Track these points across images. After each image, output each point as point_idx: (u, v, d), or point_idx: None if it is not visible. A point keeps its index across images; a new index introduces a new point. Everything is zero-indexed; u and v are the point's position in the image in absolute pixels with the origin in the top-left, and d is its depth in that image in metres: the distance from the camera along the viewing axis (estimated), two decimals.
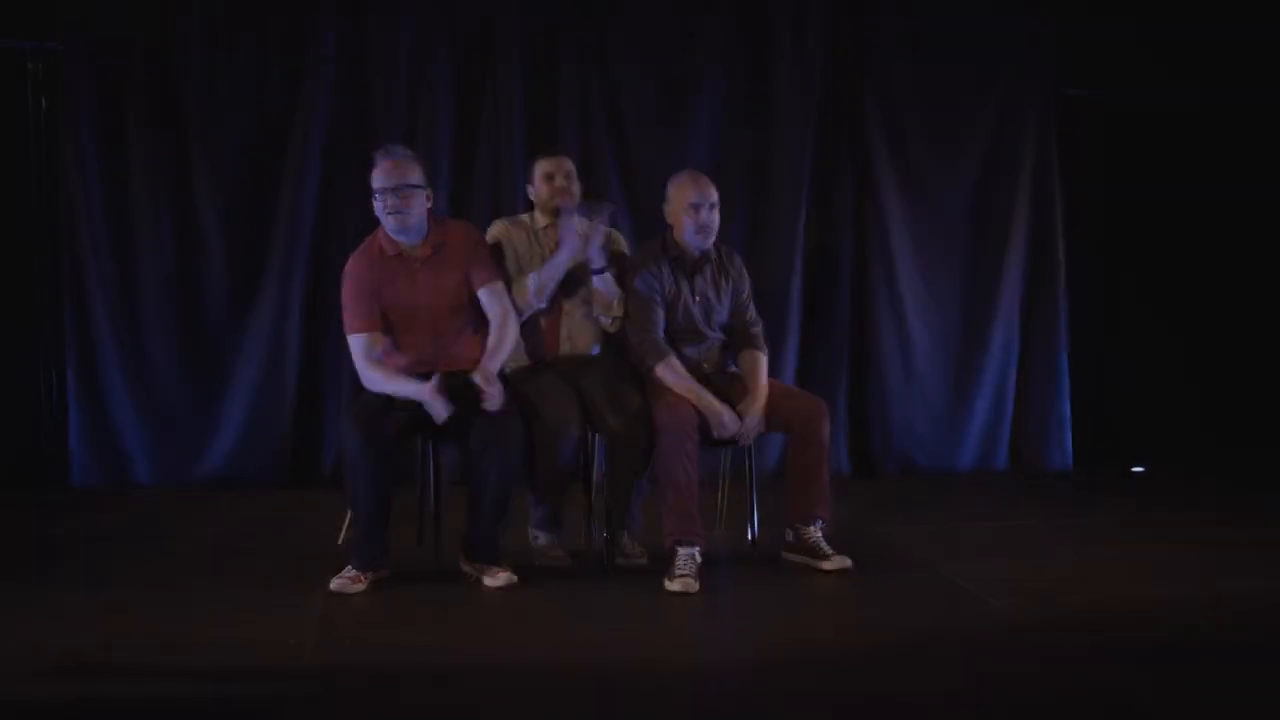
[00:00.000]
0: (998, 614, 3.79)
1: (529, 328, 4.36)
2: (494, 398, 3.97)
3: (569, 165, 4.49)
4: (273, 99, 5.79)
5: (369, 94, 5.86)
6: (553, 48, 5.97)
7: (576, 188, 4.46)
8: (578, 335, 4.42)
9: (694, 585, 4.02)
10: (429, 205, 4.13)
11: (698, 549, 4.12)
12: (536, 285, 4.29)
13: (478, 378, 3.97)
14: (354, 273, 4.11)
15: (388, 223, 4.03)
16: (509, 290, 4.23)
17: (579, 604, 3.98)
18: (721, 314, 4.46)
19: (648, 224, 5.73)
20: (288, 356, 5.84)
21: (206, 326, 5.80)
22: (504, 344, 4.09)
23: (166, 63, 5.71)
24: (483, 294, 4.13)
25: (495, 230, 4.45)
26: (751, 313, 4.54)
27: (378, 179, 4.02)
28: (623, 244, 4.57)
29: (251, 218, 5.80)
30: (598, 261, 4.31)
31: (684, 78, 6.06)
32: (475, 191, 5.92)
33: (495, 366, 4.07)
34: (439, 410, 3.95)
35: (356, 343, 4.06)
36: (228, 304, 5.81)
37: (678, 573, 4.04)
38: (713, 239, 4.40)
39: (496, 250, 4.34)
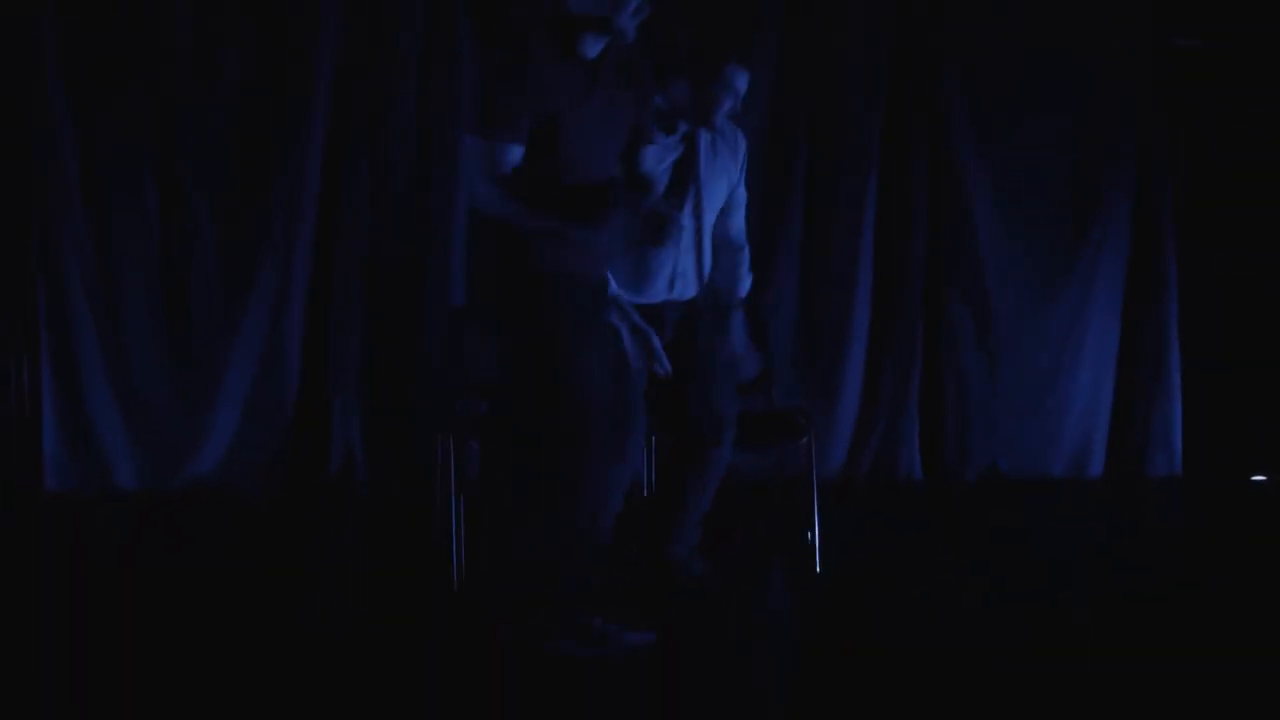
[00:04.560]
0: None
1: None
2: None
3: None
4: (268, 48, 5.16)
5: (380, 40, 5.21)
6: None
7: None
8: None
9: None
10: None
11: None
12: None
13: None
14: (513, 73, 2.96)
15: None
16: None
17: None
18: None
19: None
20: (289, 345, 5.23)
21: (196, 310, 5.19)
22: None
23: (145, 17, 5.08)
24: None
25: None
26: None
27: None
28: None
29: (246, 186, 5.18)
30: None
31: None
32: None
33: None
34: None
35: (484, 150, 2.90)
36: (221, 285, 5.20)
37: None
38: None
39: None
